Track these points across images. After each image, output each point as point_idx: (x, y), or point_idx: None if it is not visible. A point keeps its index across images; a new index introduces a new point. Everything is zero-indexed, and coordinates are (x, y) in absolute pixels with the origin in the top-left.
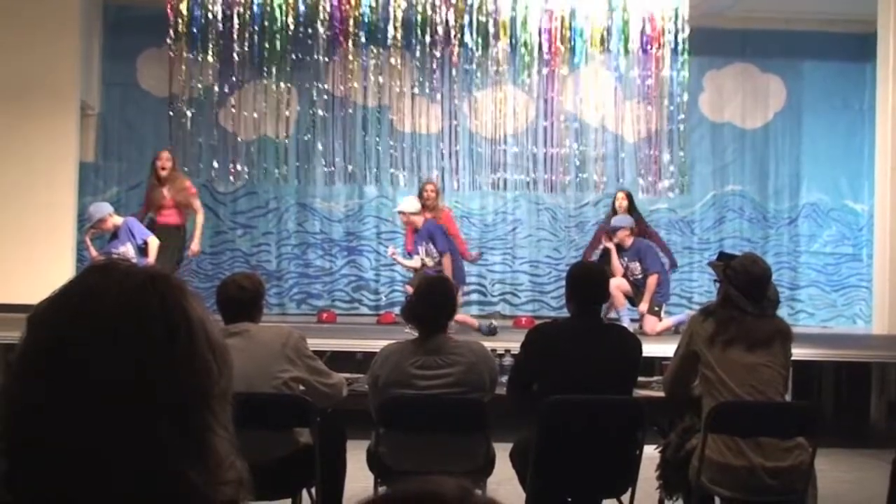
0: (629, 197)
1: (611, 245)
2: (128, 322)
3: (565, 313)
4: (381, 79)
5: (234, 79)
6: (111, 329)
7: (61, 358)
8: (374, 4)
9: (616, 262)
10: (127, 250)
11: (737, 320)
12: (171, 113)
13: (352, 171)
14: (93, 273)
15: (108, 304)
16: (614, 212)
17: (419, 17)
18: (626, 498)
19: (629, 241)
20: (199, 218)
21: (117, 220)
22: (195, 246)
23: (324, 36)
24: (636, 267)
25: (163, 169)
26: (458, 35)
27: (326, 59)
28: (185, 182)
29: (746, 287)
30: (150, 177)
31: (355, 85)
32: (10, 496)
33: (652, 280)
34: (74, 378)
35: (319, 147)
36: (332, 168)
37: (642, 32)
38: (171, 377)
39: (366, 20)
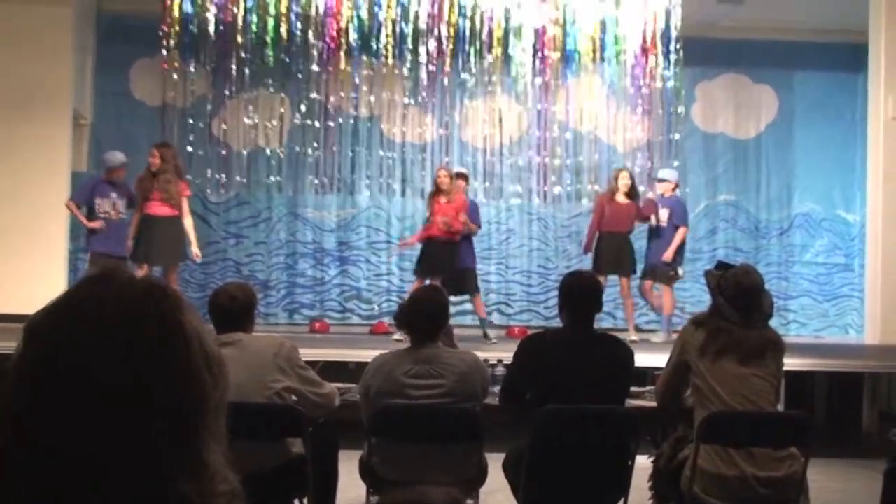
0: (632, 178)
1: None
2: (126, 331)
3: (558, 323)
4: (373, 89)
5: (226, 89)
6: (110, 337)
7: (60, 363)
8: (366, 15)
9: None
10: (117, 201)
11: (726, 331)
12: (163, 122)
13: (344, 181)
14: (92, 283)
15: (107, 312)
16: (614, 189)
17: (411, 27)
18: None
19: (668, 194)
20: (189, 221)
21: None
22: (196, 249)
23: (316, 46)
24: (665, 214)
25: (153, 165)
26: (451, 45)
27: (318, 70)
28: (178, 183)
29: (735, 298)
30: (146, 168)
31: (346, 95)
32: (5, 499)
33: (681, 232)
34: (72, 384)
35: (311, 157)
36: (325, 178)
37: (635, 43)
38: (166, 387)
39: (358, 31)
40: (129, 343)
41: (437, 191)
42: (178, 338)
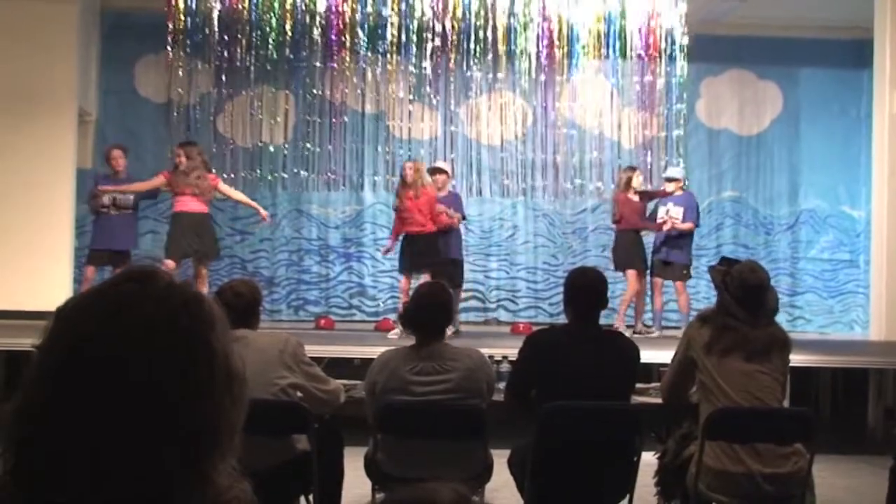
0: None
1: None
2: (154, 338)
3: (563, 319)
4: (378, 85)
5: (231, 86)
6: (137, 339)
7: (84, 354)
8: (371, 10)
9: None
10: (117, 196)
11: (732, 329)
12: (168, 119)
13: (349, 178)
14: (131, 280)
15: (139, 314)
16: (628, 187)
17: (416, 23)
18: None
19: (679, 192)
20: (239, 195)
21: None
22: (263, 212)
23: (320, 42)
24: (679, 212)
25: (180, 164)
26: (456, 41)
27: (323, 66)
28: (206, 178)
29: (741, 296)
30: (174, 167)
31: (351, 91)
32: (14, 490)
33: (689, 225)
34: (91, 378)
35: (316, 153)
36: (329, 175)
37: (640, 39)
38: (183, 400)
39: (363, 26)
40: (154, 350)
41: (404, 184)
42: (204, 355)
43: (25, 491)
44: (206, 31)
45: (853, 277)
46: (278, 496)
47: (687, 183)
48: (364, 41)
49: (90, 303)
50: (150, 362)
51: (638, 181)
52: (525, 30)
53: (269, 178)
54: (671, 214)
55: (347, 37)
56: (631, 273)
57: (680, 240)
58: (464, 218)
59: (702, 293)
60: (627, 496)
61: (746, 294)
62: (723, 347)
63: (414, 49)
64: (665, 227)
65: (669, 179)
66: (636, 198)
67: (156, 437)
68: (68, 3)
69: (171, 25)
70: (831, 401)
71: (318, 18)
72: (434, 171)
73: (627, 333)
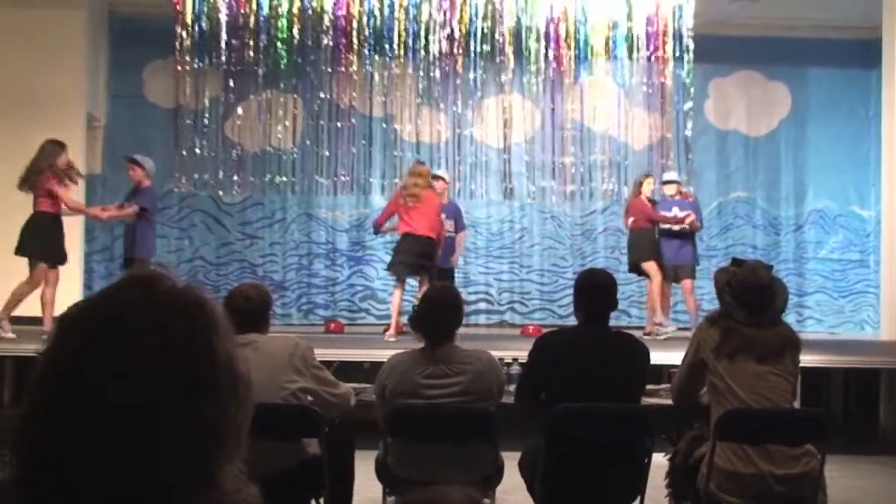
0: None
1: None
2: (153, 342)
3: (573, 321)
4: (385, 89)
5: (239, 90)
6: (136, 345)
7: (84, 361)
8: (378, 14)
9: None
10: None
11: (738, 332)
12: (177, 124)
13: (357, 181)
14: (132, 286)
15: (138, 319)
16: (639, 192)
17: (423, 27)
18: None
19: (677, 196)
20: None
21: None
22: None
23: (328, 47)
24: (686, 215)
25: None
26: (463, 44)
27: (331, 70)
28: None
29: (742, 297)
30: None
31: (359, 95)
32: (19, 495)
33: (697, 225)
34: (89, 389)
35: (325, 157)
36: (338, 178)
37: (647, 40)
38: (184, 405)
39: (370, 30)
40: (157, 355)
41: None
42: (207, 357)
43: (30, 495)
44: (214, 35)
45: (863, 277)
46: (289, 500)
47: (690, 188)
48: (371, 45)
49: (92, 308)
50: (153, 367)
51: (649, 188)
52: (533, 32)
53: (278, 182)
54: (680, 220)
55: (355, 40)
56: (650, 265)
57: (685, 242)
58: (463, 229)
59: (712, 294)
60: (638, 498)
61: (748, 295)
62: (730, 351)
63: (421, 52)
64: (687, 221)
65: (668, 182)
66: (648, 203)
67: (158, 440)
68: (76, 9)
69: (178, 30)
70: (843, 401)
71: (325, 22)
72: (433, 178)
73: (671, 329)
